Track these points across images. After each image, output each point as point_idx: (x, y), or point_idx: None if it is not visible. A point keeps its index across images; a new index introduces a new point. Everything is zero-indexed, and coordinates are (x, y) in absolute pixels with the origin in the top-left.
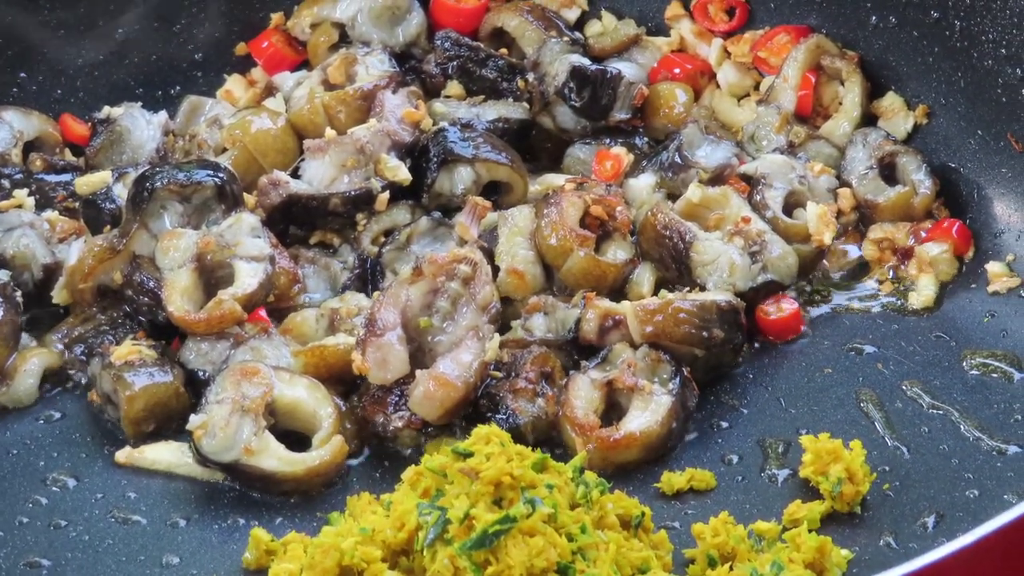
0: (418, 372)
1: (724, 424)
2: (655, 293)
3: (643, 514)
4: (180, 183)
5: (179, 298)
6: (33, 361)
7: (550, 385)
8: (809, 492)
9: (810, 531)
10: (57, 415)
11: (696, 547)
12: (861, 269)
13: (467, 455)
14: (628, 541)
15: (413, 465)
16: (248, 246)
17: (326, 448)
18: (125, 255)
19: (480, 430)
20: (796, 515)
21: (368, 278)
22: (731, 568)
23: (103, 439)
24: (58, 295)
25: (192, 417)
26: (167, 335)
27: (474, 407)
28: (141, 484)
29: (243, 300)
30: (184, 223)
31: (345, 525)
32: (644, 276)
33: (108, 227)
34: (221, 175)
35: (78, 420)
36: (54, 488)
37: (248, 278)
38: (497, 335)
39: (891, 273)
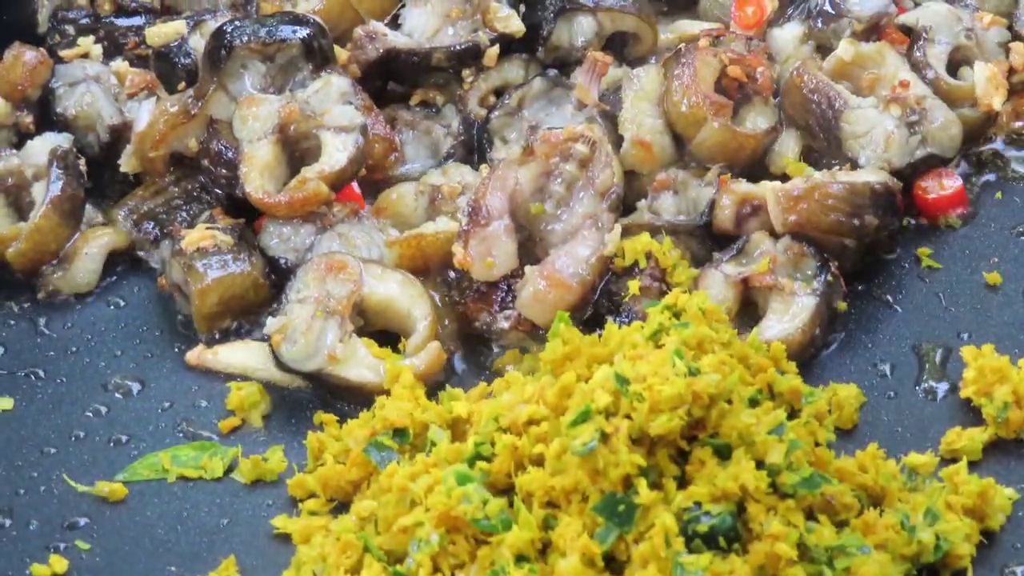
0: (527, 268)
1: (874, 324)
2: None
3: None
4: (262, 41)
5: (258, 176)
6: (96, 243)
7: None
8: (970, 413)
9: (971, 463)
10: (122, 302)
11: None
12: None
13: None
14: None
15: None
16: (337, 115)
17: (421, 356)
18: (201, 120)
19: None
20: (955, 445)
21: (475, 146)
22: (881, 513)
23: (172, 335)
24: (126, 163)
25: (269, 320)
26: (248, 212)
27: (593, 307)
28: (214, 391)
29: (330, 178)
30: (267, 84)
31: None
32: (788, 145)
33: (183, 84)
34: (308, 31)
35: (145, 310)
36: (116, 395)
37: (336, 152)
38: (618, 225)
39: None
